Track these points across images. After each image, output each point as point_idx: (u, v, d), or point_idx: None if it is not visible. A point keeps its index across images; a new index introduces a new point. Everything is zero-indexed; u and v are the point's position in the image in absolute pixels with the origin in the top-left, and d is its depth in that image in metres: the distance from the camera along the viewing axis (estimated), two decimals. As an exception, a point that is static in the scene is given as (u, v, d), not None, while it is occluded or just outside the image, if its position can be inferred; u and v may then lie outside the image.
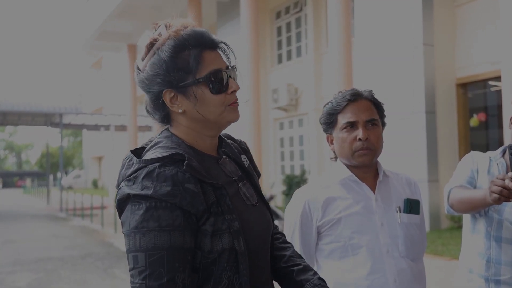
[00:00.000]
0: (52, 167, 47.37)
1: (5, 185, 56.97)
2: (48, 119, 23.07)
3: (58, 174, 41.60)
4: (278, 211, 7.21)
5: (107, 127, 24.82)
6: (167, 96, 1.14)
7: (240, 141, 1.38)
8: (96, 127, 25.83)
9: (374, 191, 1.76)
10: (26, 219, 16.56)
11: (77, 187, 41.63)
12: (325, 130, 1.83)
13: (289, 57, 13.76)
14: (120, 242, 9.86)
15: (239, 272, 1.09)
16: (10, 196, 35.76)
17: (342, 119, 1.74)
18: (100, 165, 40.05)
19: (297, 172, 13.09)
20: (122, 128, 23.91)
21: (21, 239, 11.25)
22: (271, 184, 12.50)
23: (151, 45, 1.16)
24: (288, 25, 13.84)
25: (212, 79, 1.13)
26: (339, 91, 1.82)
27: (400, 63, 8.68)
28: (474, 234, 1.95)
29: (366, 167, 1.76)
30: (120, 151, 22.68)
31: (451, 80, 8.68)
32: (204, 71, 1.13)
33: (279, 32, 14.22)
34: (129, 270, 1.05)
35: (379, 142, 1.74)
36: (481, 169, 1.95)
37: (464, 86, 8.75)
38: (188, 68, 1.13)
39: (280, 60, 14.10)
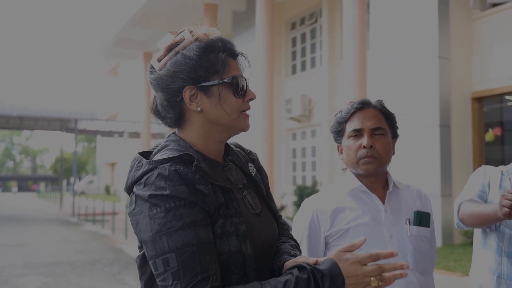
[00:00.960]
0: (66, 172, 47.87)
1: (20, 189, 57.88)
2: (63, 124, 23.35)
3: (72, 179, 42.01)
4: (288, 222, 7.17)
5: (121, 134, 25.03)
6: (187, 93, 1.16)
7: (250, 151, 1.40)
8: (110, 134, 26.05)
9: (383, 202, 1.74)
10: (38, 223, 16.71)
11: (90, 192, 42.01)
12: (336, 140, 1.83)
13: (303, 68, 13.77)
14: (130, 248, 9.89)
15: (246, 275, 1.10)
16: (24, 200, 36.18)
17: (349, 127, 1.75)
18: (113, 172, 40.30)
19: (309, 183, 13.04)
20: (135, 135, 24.09)
21: (32, 242, 11.33)
22: (282, 194, 12.46)
23: (172, 46, 1.18)
24: (303, 36, 13.87)
25: (236, 82, 1.18)
26: (350, 101, 1.83)
27: (415, 76, 8.62)
28: (484, 249, 1.91)
29: (373, 176, 1.75)
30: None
31: (466, 94, 8.60)
32: (228, 75, 1.18)
33: (294, 43, 14.26)
34: (159, 275, 1.04)
35: (385, 151, 1.72)
36: (493, 183, 1.92)
37: (479, 100, 8.67)
38: (214, 69, 1.16)
39: (294, 71, 14.12)
